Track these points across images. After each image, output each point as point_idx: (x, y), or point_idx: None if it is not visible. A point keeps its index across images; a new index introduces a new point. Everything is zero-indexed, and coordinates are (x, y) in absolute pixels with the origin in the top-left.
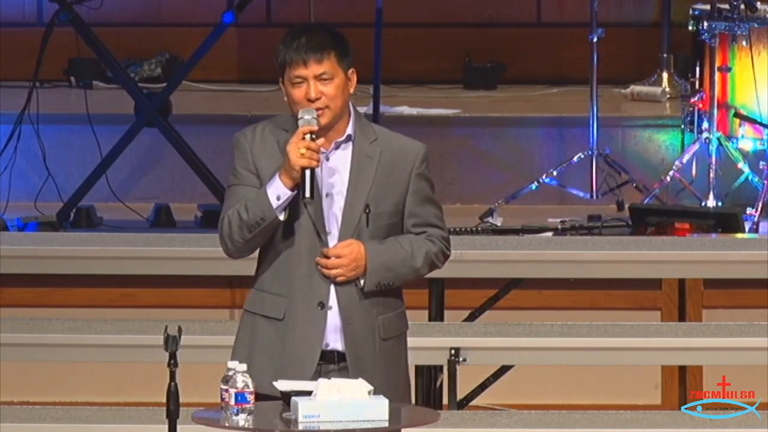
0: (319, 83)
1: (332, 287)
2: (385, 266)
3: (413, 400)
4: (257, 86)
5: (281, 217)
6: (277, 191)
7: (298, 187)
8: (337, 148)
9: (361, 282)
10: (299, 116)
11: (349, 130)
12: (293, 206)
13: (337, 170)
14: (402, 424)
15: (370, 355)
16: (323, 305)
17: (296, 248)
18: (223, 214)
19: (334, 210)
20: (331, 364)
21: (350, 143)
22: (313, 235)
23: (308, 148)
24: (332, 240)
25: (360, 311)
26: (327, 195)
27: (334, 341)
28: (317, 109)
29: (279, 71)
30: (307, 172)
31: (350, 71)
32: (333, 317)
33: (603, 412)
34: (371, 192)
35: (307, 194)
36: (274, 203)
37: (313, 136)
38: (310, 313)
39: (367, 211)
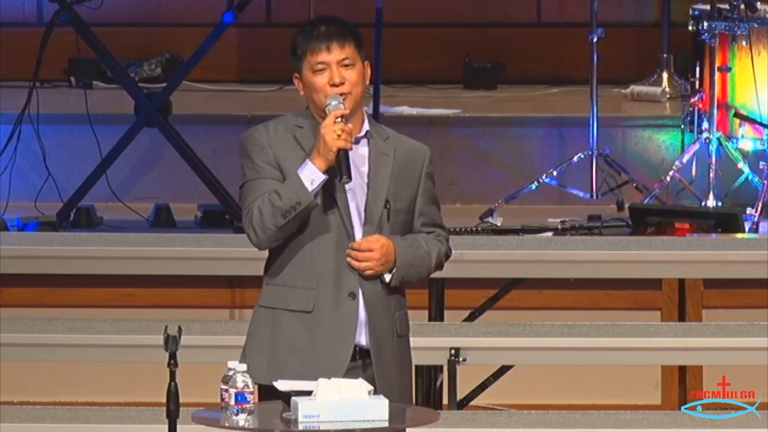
0: (342, 68)
1: (359, 280)
2: (409, 263)
3: (413, 401)
4: (257, 86)
5: (318, 200)
6: (311, 175)
7: (330, 170)
8: (356, 143)
9: (387, 277)
10: (326, 103)
11: (366, 127)
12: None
13: (356, 165)
14: (402, 424)
15: (390, 352)
16: (354, 295)
17: (323, 241)
18: (248, 206)
19: (357, 204)
20: (353, 360)
21: (367, 139)
22: (340, 228)
23: (343, 131)
24: (355, 234)
25: (382, 306)
26: (349, 189)
27: (359, 334)
28: (341, 95)
29: (294, 65)
30: (342, 154)
31: (366, 63)
32: (360, 310)
33: (603, 412)
34: (390, 188)
35: (344, 175)
36: (309, 187)
37: (344, 120)
38: (341, 303)
39: (388, 206)
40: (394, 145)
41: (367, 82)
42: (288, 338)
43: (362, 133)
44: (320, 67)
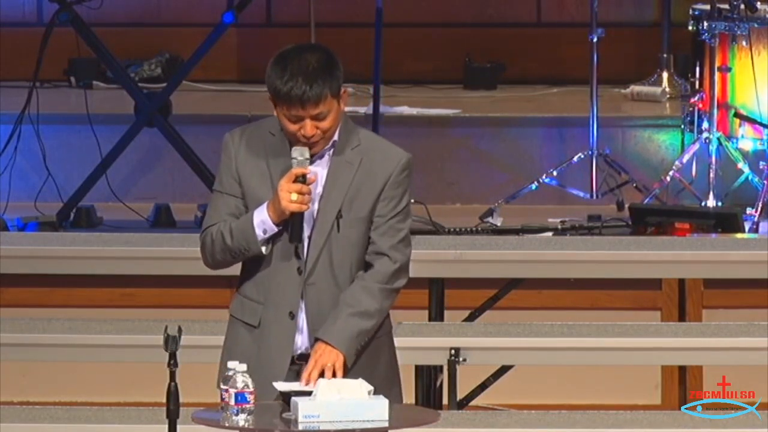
0: (316, 122)
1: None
2: (351, 338)
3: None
4: (257, 86)
5: (264, 251)
6: (264, 225)
7: (284, 222)
8: (321, 157)
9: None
10: (291, 155)
11: (335, 137)
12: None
13: (316, 175)
14: (402, 424)
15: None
16: (293, 315)
17: (275, 257)
18: (206, 222)
19: (310, 216)
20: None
21: (333, 149)
22: (289, 245)
23: (300, 193)
24: (305, 248)
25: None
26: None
27: (307, 348)
28: (311, 140)
29: (268, 89)
30: (296, 217)
31: (342, 92)
32: (304, 325)
33: (603, 412)
34: (346, 198)
35: (294, 240)
36: (260, 236)
37: (305, 179)
38: (281, 321)
39: (339, 216)
40: (362, 153)
41: (345, 107)
42: (241, 350)
43: (329, 144)
44: (293, 118)
